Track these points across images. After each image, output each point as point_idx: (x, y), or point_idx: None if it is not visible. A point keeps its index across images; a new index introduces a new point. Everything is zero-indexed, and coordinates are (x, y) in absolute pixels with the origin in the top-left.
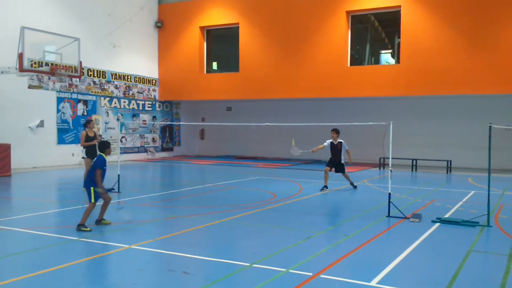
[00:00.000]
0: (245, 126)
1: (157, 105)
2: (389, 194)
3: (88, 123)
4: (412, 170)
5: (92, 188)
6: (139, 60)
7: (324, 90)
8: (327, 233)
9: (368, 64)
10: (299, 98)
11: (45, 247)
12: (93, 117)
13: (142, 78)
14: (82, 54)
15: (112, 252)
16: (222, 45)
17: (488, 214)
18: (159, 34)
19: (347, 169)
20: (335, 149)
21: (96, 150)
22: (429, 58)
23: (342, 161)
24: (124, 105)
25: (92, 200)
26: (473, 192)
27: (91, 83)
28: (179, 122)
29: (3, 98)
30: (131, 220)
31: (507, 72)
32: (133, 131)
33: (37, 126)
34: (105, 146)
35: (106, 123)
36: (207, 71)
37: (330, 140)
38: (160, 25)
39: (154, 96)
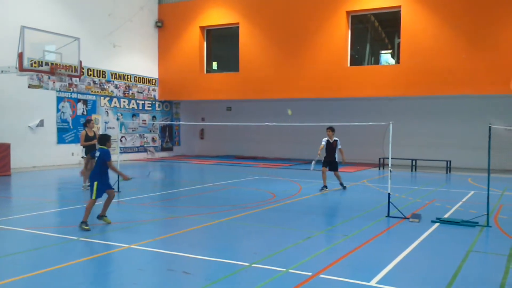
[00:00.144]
0: (245, 126)
1: (157, 105)
2: (389, 194)
3: (87, 123)
4: (411, 170)
5: (95, 183)
6: (139, 60)
7: (324, 90)
8: (326, 233)
9: (368, 64)
10: (299, 98)
11: (45, 246)
12: (93, 116)
13: (142, 77)
14: (82, 54)
15: (112, 252)
16: (222, 45)
17: (488, 214)
18: (159, 34)
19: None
20: (331, 147)
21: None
22: (429, 58)
23: (336, 159)
24: (124, 105)
25: (93, 197)
26: (472, 192)
27: (91, 82)
28: (179, 122)
29: (3, 97)
30: (130, 220)
31: (507, 72)
32: (132, 130)
33: (37, 125)
34: (105, 140)
35: (106, 122)
36: (207, 71)
37: (326, 138)
38: (160, 25)
39: (154, 95)
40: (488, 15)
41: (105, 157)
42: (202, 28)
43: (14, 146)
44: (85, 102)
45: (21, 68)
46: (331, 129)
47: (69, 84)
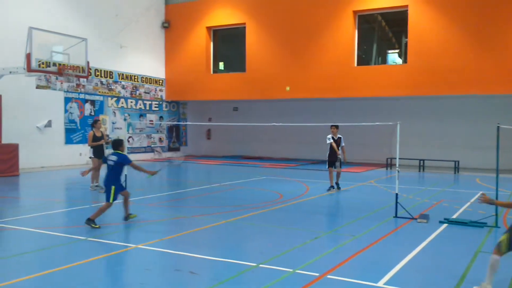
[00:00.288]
0: (251, 126)
1: (164, 105)
2: (396, 194)
3: (95, 123)
4: (419, 171)
5: (113, 187)
6: (146, 60)
7: (331, 90)
8: (334, 234)
9: (375, 64)
10: (305, 98)
11: (53, 246)
12: (100, 117)
13: (149, 78)
14: (89, 55)
15: (119, 252)
16: (228, 45)
17: (496, 215)
18: (166, 35)
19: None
20: (335, 144)
21: (103, 150)
22: (436, 58)
23: (339, 156)
24: (131, 105)
25: (110, 200)
26: (481, 192)
27: (98, 83)
28: (186, 122)
29: (11, 98)
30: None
31: None
32: (140, 131)
33: (45, 126)
34: (119, 144)
35: (113, 123)
36: (214, 71)
37: (331, 135)
38: (167, 25)
39: (161, 96)
40: (496, 15)
41: (125, 162)
42: (208, 28)
43: (22, 146)
44: (92, 102)
45: (29, 69)
46: (336, 126)
47: (76, 84)
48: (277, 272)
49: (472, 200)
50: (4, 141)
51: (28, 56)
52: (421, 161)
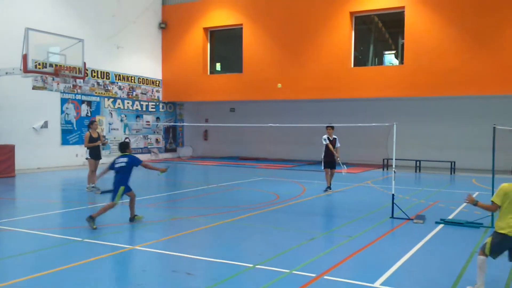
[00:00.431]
0: (248, 127)
1: (160, 106)
2: (393, 195)
3: (91, 124)
4: (415, 171)
5: (122, 187)
6: (142, 61)
7: (328, 91)
8: (330, 234)
9: (371, 65)
10: (302, 99)
11: (49, 248)
12: (97, 118)
13: (146, 79)
14: (86, 55)
15: (116, 253)
16: (225, 46)
17: (492, 215)
18: (162, 35)
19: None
20: (331, 144)
21: (100, 151)
22: (433, 59)
23: (338, 159)
24: (127, 106)
25: (116, 200)
26: (477, 193)
27: (95, 84)
28: (183, 123)
29: (7, 99)
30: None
31: None
32: (136, 132)
33: (41, 127)
34: (125, 146)
35: (110, 124)
36: (211, 72)
37: (327, 136)
38: (164, 26)
39: (158, 97)
40: (492, 15)
41: (135, 163)
42: (205, 29)
43: (19, 147)
44: (89, 103)
45: (26, 70)
46: (331, 127)
47: (73, 85)
48: (274, 273)
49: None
50: (0, 142)
51: (25, 57)
52: (418, 162)
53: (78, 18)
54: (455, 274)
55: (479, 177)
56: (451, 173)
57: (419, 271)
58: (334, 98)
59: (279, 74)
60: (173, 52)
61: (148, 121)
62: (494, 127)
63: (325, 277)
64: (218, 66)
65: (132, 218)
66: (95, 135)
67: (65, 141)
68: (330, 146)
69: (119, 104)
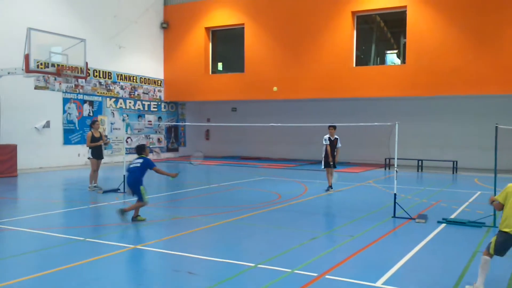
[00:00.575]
0: (250, 126)
1: (162, 106)
2: (395, 194)
3: (93, 124)
4: (417, 171)
5: (141, 187)
6: (144, 61)
7: (330, 91)
8: (332, 234)
9: (373, 64)
10: (304, 98)
11: (51, 247)
12: (99, 117)
13: (148, 78)
14: (88, 55)
15: (118, 252)
16: (227, 45)
17: (494, 215)
18: (164, 35)
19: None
20: (331, 144)
21: (102, 150)
22: (435, 58)
23: (331, 163)
24: (129, 106)
25: (145, 199)
26: (479, 192)
27: (97, 84)
28: (185, 122)
29: (9, 99)
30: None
31: None
32: (138, 131)
33: (43, 126)
34: (142, 149)
35: (112, 123)
36: (213, 72)
37: (328, 136)
38: (165, 26)
39: (160, 96)
40: (494, 15)
41: (149, 166)
42: (207, 29)
43: (21, 147)
44: (91, 103)
45: (28, 70)
46: (333, 127)
47: (75, 85)
48: (276, 272)
49: (471, 200)
50: (2, 142)
51: (27, 57)
52: (420, 161)
53: (80, 18)
54: (457, 273)
55: (481, 176)
56: (453, 173)
57: (421, 271)
58: (336, 97)
59: (281, 74)
60: (175, 52)
61: (150, 121)
62: (496, 127)
63: (327, 276)
64: (220, 65)
65: (134, 218)
66: (97, 135)
67: (67, 141)
68: (329, 148)
69: (121, 103)
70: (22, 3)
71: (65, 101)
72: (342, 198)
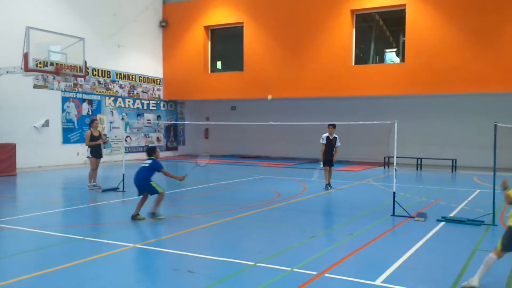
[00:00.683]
0: (249, 125)
1: (161, 105)
2: (394, 193)
3: (92, 123)
4: (417, 169)
5: (152, 183)
6: (143, 60)
7: (329, 89)
8: (331, 232)
9: (372, 63)
10: (303, 97)
11: (50, 246)
12: (98, 116)
13: (147, 77)
14: (87, 54)
15: (117, 251)
16: (226, 44)
17: (494, 213)
18: (163, 34)
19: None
20: (330, 144)
21: (101, 149)
22: (434, 56)
23: (333, 156)
24: (128, 105)
25: (160, 190)
26: (478, 191)
27: (96, 82)
28: (184, 121)
29: (8, 98)
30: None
31: None
32: (137, 130)
33: (42, 125)
34: (152, 151)
35: (111, 122)
36: (212, 71)
37: (326, 135)
38: (164, 24)
39: (159, 95)
40: (493, 13)
41: (157, 168)
42: (206, 27)
43: (20, 146)
44: (90, 102)
45: (26, 69)
46: (333, 126)
47: (74, 84)
48: (275, 270)
49: (470, 198)
50: (1, 141)
51: (26, 56)
52: (419, 160)
53: (79, 16)
54: (456, 271)
55: (480, 175)
56: (452, 171)
57: (420, 269)
58: (335, 96)
59: (280, 72)
60: (174, 50)
61: (149, 120)
62: (495, 125)
63: (326, 275)
64: (219, 64)
65: (134, 216)
66: (96, 134)
67: (66, 140)
68: (323, 148)
69: (120, 102)
70: (21, 2)
71: (64, 100)
72: (341, 197)
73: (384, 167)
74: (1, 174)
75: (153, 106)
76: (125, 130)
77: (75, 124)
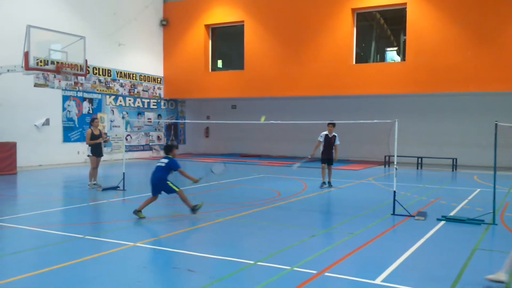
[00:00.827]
0: (250, 124)
1: (162, 103)
2: (394, 192)
3: (92, 121)
4: (417, 168)
5: (168, 182)
6: (144, 58)
7: (329, 88)
8: (331, 231)
9: (373, 61)
10: (304, 96)
11: (51, 244)
12: (99, 115)
13: (147, 76)
14: (87, 53)
15: (117, 250)
16: (227, 43)
17: (494, 212)
18: (164, 32)
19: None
20: (329, 142)
21: (101, 148)
22: (434, 55)
23: (332, 155)
24: (129, 103)
25: (176, 189)
26: (478, 190)
27: (97, 81)
28: (184, 120)
29: (9, 96)
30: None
31: None
32: (138, 129)
33: (43, 124)
34: (169, 149)
35: (111, 121)
36: (212, 69)
37: (325, 133)
38: (165, 23)
39: (159, 94)
40: (494, 12)
41: (173, 167)
42: (207, 26)
43: (20, 144)
44: (90, 100)
45: (27, 67)
46: (333, 124)
47: (74, 82)
48: (275, 269)
49: (470, 197)
50: (1, 139)
51: (26, 55)
52: (419, 159)
53: (80, 15)
54: (457, 270)
55: (481, 174)
56: (452, 170)
57: (420, 268)
58: (336, 95)
59: (281, 71)
60: (174, 49)
61: (150, 118)
62: (496, 124)
63: (326, 274)
64: (219, 63)
65: (137, 212)
66: (96, 132)
67: (66, 139)
68: (318, 144)
69: (120, 101)
70: (22, 0)
71: (65, 98)
72: (341, 196)
73: (385, 166)
74: (1, 172)
75: (153, 105)
76: (126, 128)
77: (76, 123)
